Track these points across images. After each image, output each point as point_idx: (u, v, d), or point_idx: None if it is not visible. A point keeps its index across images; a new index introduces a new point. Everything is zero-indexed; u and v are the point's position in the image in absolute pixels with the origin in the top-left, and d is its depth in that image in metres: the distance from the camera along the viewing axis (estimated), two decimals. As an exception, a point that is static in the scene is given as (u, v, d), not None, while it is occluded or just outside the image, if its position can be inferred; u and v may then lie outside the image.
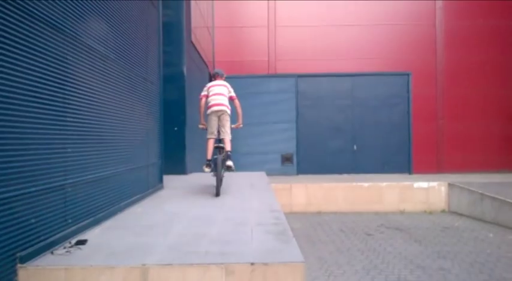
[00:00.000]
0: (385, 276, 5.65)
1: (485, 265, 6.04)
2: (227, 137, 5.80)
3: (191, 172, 9.06)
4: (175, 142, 8.46)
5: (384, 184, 10.81)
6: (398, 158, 13.57)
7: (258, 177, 8.28)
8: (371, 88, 13.69)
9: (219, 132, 5.85)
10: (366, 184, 10.81)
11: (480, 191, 9.42)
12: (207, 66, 11.79)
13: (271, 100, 13.52)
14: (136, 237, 3.33)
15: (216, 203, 5.12)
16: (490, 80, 13.60)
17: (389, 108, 13.65)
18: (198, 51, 10.23)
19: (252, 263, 2.59)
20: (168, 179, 6.92)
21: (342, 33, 13.72)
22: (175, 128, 8.52)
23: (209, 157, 5.80)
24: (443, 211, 10.57)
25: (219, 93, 5.79)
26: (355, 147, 13.60)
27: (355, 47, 13.73)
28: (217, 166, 5.54)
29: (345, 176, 13.02)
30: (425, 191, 10.73)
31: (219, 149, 5.87)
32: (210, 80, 6.80)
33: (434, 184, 10.78)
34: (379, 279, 5.53)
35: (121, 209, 4.38)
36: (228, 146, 5.80)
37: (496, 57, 13.60)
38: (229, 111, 5.82)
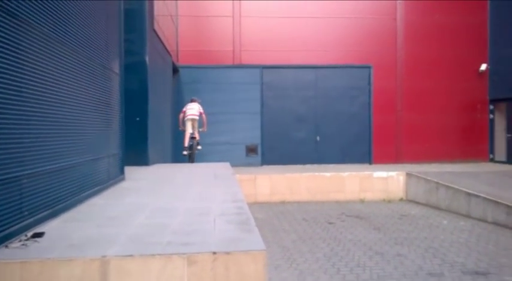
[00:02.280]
0: (346, 263, 5.84)
1: (439, 250, 6.35)
2: (197, 132, 10.49)
3: (154, 163, 8.93)
4: (137, 133, 8.30)
5: (345, 173, 11.09)
6: (359, 149, 13.93)
7: (222, 168, 8.28)
8: (334, 80, 13.93)
9: (192, 130, 10.35)
10: (327, 174, 11.05)
11: (435, 180, 9.85)
12: (170, 56, 11.58)
13: (236, 91, 13.48)
14: (96, 229, 3.27)
15: (178, 193, 5.10)
16: (446, 73, 14.17)
17: (351, 100, 13.96)
18: (161, 40, 10.03)
19: (214, 253, 2.61)
20: (130, 170, 6.80)
21: (306, 25, 13.84)
22: (137, 119, 8.35)
23: (186, 144, 10.15)
24: (401, 200, 10.98)
25: (192, 109, 10.44)
26: (318, 138, 13.83)
27: (319, 39, 13.90)
28: (192, 147, 10.25)
29: (308, 166, 13.24)
30: (385, 181, 11.10)
31: (193, 138, 10.32)
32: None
33: (393, 173, 11.18)
34: (339, 266, 5.71)
35: (81, 201, 4.28)
36: (197, 137, 10.54)
37: (452, 52, 14.17)
38: (198, 118, 10.38)
